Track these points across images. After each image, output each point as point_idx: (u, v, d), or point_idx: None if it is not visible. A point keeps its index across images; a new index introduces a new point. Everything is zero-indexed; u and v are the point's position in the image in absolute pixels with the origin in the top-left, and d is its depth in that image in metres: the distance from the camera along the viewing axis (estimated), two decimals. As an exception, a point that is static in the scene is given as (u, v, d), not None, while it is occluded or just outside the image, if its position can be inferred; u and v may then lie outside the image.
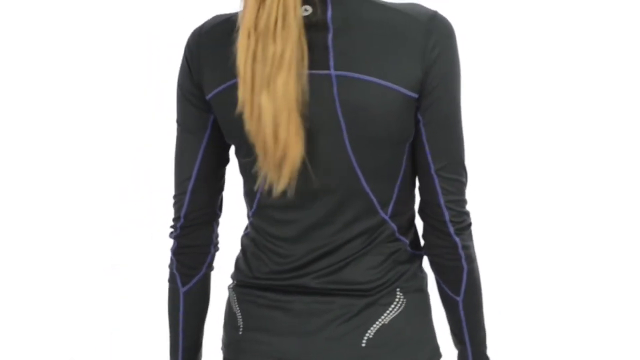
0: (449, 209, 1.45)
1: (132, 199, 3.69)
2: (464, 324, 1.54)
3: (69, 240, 3.67)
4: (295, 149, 1.37)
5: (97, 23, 3.70)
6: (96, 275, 3.65)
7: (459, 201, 1.47)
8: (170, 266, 1.57)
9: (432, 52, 1.40)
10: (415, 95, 1.39)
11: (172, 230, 1.53)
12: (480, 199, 3.76)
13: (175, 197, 1.51)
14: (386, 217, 1.46)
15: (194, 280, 1.56)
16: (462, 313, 1.53)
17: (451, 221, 1.46)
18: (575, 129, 3.72)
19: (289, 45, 1.33)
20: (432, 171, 1.43)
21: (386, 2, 1.43)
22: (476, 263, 1.51)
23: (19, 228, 3.67)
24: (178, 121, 1.51)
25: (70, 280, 3.64)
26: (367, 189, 1.43)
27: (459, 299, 1.51)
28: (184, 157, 1.51)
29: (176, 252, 1.57)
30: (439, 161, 1.43)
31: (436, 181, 1.43)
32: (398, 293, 1.48)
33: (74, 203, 3.69)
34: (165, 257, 3.77)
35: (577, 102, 3.72)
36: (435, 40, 1.40)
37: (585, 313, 3.62)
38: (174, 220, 1.52)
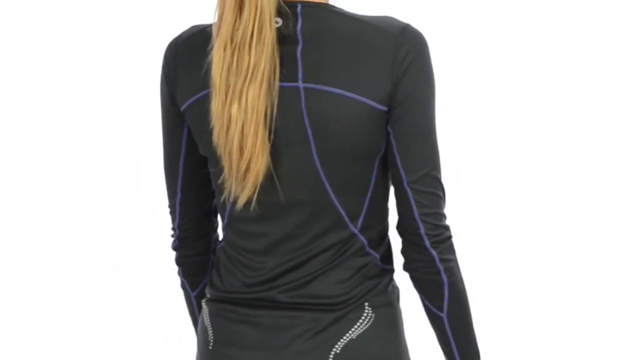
0: (424, 222, 1.43)
1: (132, 199, 3.70)
2: (451, 341, 1.51)
3: (69, 240, 3.67)
4: (259, 162, 1.39)
5: (97, 23, 3.70)
6: (96, 275, 3.65)
7: (435, 214, 1.44)
8: (178, 273, 1.58)
9: (402, 65, 1.40)
10: (384, 108, 1.39)
11: (172, 240, 1.53)
12: (479, 199, 3.75)
13: (169, 208, 1.51)
14: (356, 231, 1.45)
15: (201, 286, 1.61)
16: (448, 330, 1.51)
17: (427, 234, 1.44)
18: (574, 129, 3.72)
19: (263, 58, 1.36)
20: (405, 184, 1.42)
21: (358, 15, 1.43)
22: (459, 277, 1.49)
23: (19, 228, 3.67)
24: (162, 133, 1.51)
25: (70, 280, 3.64)
26: (336, 203, 1.43)
27: (443, 314, 1.49)
28: (168, 171, 1.53)
29: (178, 261, 1.63)
30: (412, 174, 1.42)
31: (410, 194, 1.42)
32: (367, 308, 1.47)
33: (74, 203, 3.69)
34: (165, 257, 3.78)
35: (576, 103, 3.72)
36: (406, 53, 1.40)
37: (585, 314, 3.62)
38: (172, 230, 1.52)
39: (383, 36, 1.40)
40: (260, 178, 1.40)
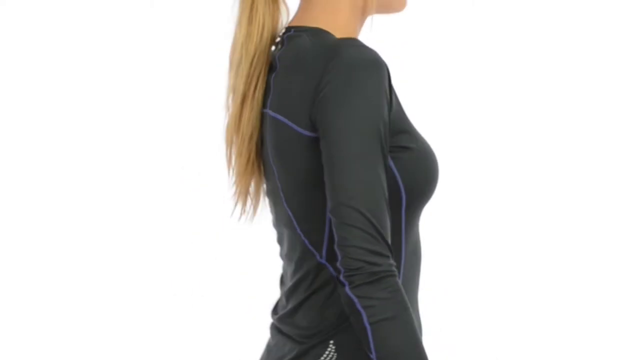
0: (341, 253, 1.28)
1: (132, 199, 3.69)
2: None
3: (69, 240, 3.67)
4: (240, 183, 1.42)
5: (97, 23, 3.70)
6: (96, 276, 3.65)
7: (352, 248, 1.26)
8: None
9: (323, 89, 1.31)
10: (311, 134, 1.32)
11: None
12: (479, 199, 3.75)
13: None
14: (322, 261, 1.35)
15: None
16: None
17: (342, 266, 1.28)
18: (574, 130, 3.71)
19: (254, 83, 1.40)
20: (328, 211, 1.30)
21: (332, 40, 1.37)
22: (389, 323, 1.26)
23: (19, 228, 3.67)
24: None
25: (70, 281, 3.64)
26: (299, 230, 1.37)
27: None
28: None
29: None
30: (330, 202, 1.29)
31: (332, 223, 1.29)
32: (330, 346, 1.35)
33: (73, 203, 3.69)
34: (166, 257, 3.76)
35: (575, 103, 3.72)
36: (330, 77, 1.31)
37: (585, 315, 3.62)
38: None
39: (319, 59, 1.33)
40: (242, 200, 1.43)
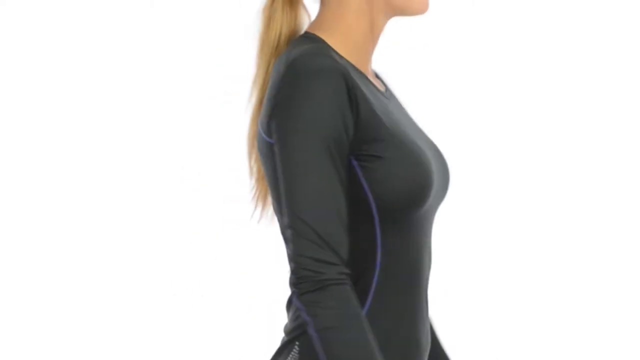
0: (291, 265, 1.29)
1: (132, 199, 3.69)
2: None
3: (68, 240, 3.67)
4: (258, 186, 1.44)
5: (98, 23, 3.70)
6: (96, 276, 3.65)
7: (301, 258, 1.24)
8: None
9: (276, 98, 1.30)
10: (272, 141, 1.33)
11: None
12: (480, 199, 3.75)
13: None
14: None
15: None
16: None
17: (293, 280, 1.27)
18: (574, 131, 3.71)
19: (256, 92, 1.43)
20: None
21: (300, 48, 1.34)
22: (334, 332, 1.24)
23: (18, 229, 3.67)
24: None
25: (70, 280, 3.64)
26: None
27: None
28: None
29: None
30: (278, 213, 1.34)
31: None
32: (296, 346, 1.33)
33: (73, 203, 3.69)
34: (166, 257, 3.76)
35: (575, 104, 3.72)
36: (281, 85, 1.30)
37: (585, 315, 3.62)
38: None
39: (280, 70, 1.33)
40: (261, 202, 1.44)
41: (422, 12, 1.34)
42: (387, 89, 1.42)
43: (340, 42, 1.35)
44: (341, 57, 1.32)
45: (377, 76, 1.44)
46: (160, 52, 3.69)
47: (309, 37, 1.36)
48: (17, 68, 3.66)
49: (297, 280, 1.25)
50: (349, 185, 1.27)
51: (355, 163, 1.27)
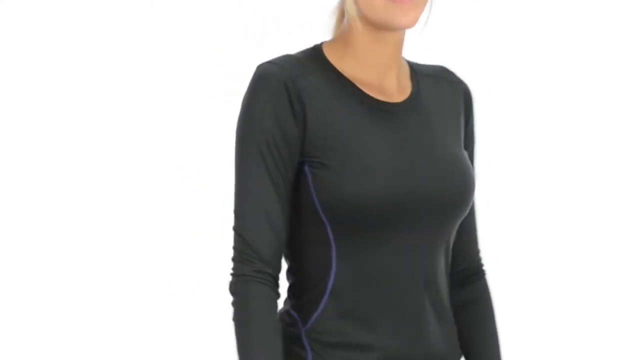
0: None
1: (132, 199, 3.69)
2: None
3: (68, 240, 3.67)
4: None
5: (98, 23, 3.69)
6: (96, 276, 3.65)
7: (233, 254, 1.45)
8: None
9: None
10: None
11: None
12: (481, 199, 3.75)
13: None
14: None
15: None
16: None
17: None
18: (575, 131, 3.71)
19: None
20: None
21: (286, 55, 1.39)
22: (234, 325, 1.38)
23: (18, 229, 3.67)
24: None
25: (69, 281, 3.64)
26: None
27: None
28: None
29: None
30: None
31: None
32: None
33: (73, 203, 3.68)
34: (166, 256, 3.76)
35: (575, 104, 3.71)
36: None
37: (586, 316, 3.62)
38: None
39: None
40: None
41: (401, 24, 1.29)
42: (411, 98, 1.33)
43: (338, 53, 1.33)
44: (326, 64, 1.31)
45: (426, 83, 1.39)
46: (160, 52, 3.69)
47: (312, 47, 1.37)
48: (17, 68, 3.66)
49: (231, 270, 1.39)
50: (300, 190, 1.29)
51: (307, 169, 1.27)
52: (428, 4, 1.38)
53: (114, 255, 3.64)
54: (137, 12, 3.68)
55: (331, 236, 1.27)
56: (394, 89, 1.31)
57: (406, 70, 1.36)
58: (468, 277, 1.40)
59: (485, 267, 1.44)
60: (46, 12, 3.66)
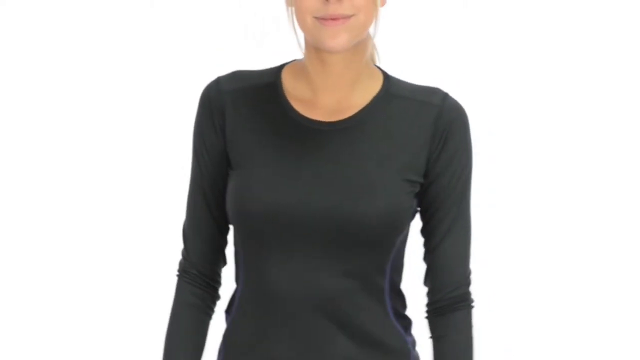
0: None
1: (132, 199, 3.69)
2: None
3: (68, 241, 3.67)
4: None
5: (97, 23, 3.70)
6: (96, 276, 3.65)
7: None
8: None
9: None
10: None
11: None
12: (480, 198, 3.75)
13: None
14: None
15: None
16: None
17: None
18: (575, 132, 3.72)
19: None
20: None
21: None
22: None
23: (19, 230, 3.67)
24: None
25: (69, 281, 3.64)
26: None
27: None
28: None
29: None
30: None
31: None
32: None
33: (72, 204, 3.69)
34: (166, 257, 3.74)
35: (574, 104, 3.72)
36: None
37: (586, 316, 3.62)
38: None
39: None
40: None
41: (331, 48, 1.23)
42: (351, 119, 1.28)
43: (296, 70, 1.34)
44: (275, 84, 1.32)
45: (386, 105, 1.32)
46: (161, 52, 3.69)
47: (287, 62, 1.40)
48: (17, 68, 3.67)
49: None
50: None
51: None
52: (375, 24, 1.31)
53: (113, 255, 3.65)
54: (137, 12, 3.68)
55: (239, 245, 1.34)
56: (334, 109, 1.28)
57: (369, 90, 1.30)
58: (439, 309, 1.32)
59: (465, 299, 1.35)
60: (46, 12, 3.66)
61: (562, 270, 3.65)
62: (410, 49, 3.61)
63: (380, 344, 1.27)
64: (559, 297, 3.63)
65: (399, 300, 1.32)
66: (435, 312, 1.32)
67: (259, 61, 3.85)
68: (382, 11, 1.30)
